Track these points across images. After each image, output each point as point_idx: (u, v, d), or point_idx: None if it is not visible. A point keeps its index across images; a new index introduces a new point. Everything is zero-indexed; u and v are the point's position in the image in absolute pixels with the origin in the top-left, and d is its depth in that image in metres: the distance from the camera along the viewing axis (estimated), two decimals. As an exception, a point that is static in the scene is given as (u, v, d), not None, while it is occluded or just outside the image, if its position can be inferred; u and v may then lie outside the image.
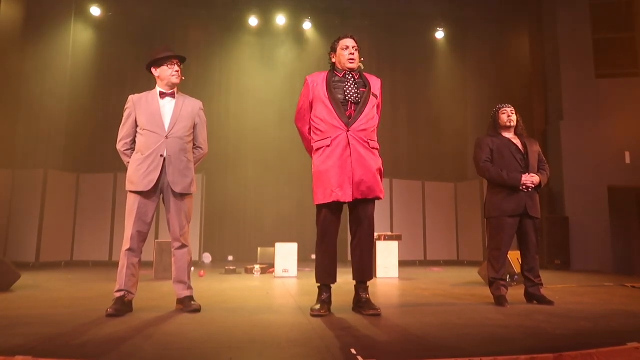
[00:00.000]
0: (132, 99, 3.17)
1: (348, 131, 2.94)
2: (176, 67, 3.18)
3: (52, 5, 9.10)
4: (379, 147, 3.09)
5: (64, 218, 8.12)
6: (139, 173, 3.02)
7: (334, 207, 2.98)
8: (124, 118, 3.18)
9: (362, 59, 3.19)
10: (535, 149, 3.65)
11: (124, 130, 3.16)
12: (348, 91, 3.03)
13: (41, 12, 8.90)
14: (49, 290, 4.27)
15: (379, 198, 3.02)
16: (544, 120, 9.28)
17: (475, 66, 10.57)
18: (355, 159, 2.92)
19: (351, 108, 3.00)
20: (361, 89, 3.06)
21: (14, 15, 8.48)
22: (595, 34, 8.98)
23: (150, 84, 3.32)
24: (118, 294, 2.94)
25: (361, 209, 3.01)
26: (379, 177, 3.01)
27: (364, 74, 3.17)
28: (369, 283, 3.09)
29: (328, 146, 2.96)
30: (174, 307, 3.13)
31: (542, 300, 3.42)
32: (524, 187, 3.46)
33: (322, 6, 10.03)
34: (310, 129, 3.11)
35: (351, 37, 3.15)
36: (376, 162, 3.01)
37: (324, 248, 3.01)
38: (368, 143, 2.98)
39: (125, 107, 3.18)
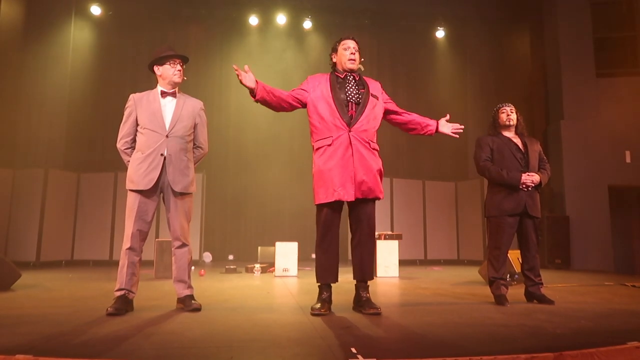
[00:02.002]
0: (133, 97, 3.17)
1: (350, 131, 2.98)
2: (178, 67, 3.19)
3: (52, 4, 9.08)
4: (378, 149, 3.14)
5: (65, 217, 8.11)
6: (139, 172, 3.02)
7: (335, 206, 3.00)
8: (124, 117, 3.18)
9: (363, 60, 3.23)
10: (535, 148, 3.65)
11: (125, 128, 3.16)
12: (349, 91, 3.07)
13: (41, 12, 8.89)
14: (49, 290, 4.27)
15: (378, 198, 3.06)
16: (544, 119, 9.28)
17: (476, 65, 10.56)
18: (358, 159, 2.95)
19: (352, 108, 3.04)
20: (361, 90, 3.11)
21: (14, 15, 8.48)
22: (596, 33, 8.98)
23: (150, 83, 3.32)
24: (118, 293, 2.94)
25: (361, 208, 3.03)
26: (379, 177, 3.06)
27: (363, 77, 3.23)
28: (369, 282, 3.10)
29: (329, 145, 2.99)
30: (174, 306, 3.14)
31: (543, 300, 3.42)
32: (524, 186, 3.46)
33: (322, 5, 10.01)
34: (290, 104, 3.10)
35: (352, 39, 3.19)
36: (377, 162, 3.06)
37: (325, 247, 3.01)
38: (369, 144, 3.03)
39: (126, 105, 3.18)
